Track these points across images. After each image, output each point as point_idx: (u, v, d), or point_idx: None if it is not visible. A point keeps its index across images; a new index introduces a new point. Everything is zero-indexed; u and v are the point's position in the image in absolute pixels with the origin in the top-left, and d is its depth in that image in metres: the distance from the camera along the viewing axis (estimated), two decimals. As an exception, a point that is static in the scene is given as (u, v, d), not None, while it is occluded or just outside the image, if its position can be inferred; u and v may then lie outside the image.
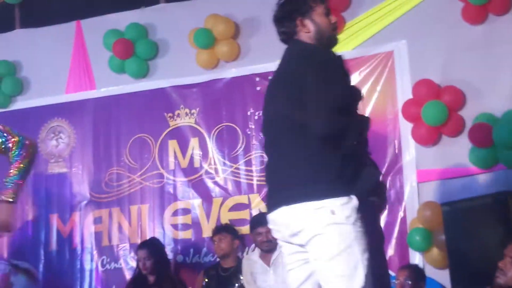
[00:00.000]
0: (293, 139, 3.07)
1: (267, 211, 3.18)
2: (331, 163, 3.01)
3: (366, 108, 5.81)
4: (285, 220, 3.07)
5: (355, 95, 3.48)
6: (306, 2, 3.25)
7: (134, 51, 6.46)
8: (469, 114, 5.48)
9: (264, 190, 6.05)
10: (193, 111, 6.34)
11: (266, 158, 3.31)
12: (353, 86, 3.42)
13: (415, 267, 5.19)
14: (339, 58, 3.14)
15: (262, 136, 3.47)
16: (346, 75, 3.15)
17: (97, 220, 6.49)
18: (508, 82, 5.39)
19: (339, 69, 3.10)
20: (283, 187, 3.07)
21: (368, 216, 3.15)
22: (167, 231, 6.27)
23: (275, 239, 5.36)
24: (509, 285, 3.11)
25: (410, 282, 4.91)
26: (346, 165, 3.02)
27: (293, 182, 3.04)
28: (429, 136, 5.53)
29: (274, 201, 3.12)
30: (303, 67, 3.06)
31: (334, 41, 3.31)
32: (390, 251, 5.56)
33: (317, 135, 2.97)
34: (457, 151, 5.46)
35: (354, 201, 2.99)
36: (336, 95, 2.99)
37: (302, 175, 3.03)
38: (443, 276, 5.22)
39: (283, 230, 3.11)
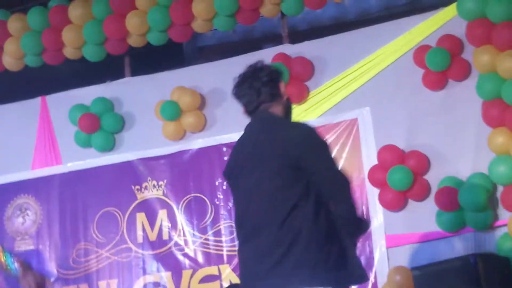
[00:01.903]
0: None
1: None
2: (331, 249, 3.08)
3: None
4: None
5: None
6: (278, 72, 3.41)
7: (100, 125, 6.46)
8: (434, 178, 5.55)
9: (235, 261, 6.03)
10: (160, 183, 6.32)
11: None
12: None
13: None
14: None
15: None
16: None
17: (66, 297, 6.37)
18: (470, 145, 5.49)
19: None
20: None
21: None
22: (137, 306, 6.17)
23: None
24: None
25: None
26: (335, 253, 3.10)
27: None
28: (396, 201, 5.57)
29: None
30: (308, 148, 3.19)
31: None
32: (363, 318, 5.53)
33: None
34: (424, 215, 5.50)
35: None
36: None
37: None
38: None
39: None
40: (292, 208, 3.07)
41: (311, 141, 3.22)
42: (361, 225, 3.29)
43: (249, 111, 3.42)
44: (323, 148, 3.26)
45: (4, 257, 4.22)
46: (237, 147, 3.44)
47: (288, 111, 3.44)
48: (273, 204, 3.10)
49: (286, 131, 3.26)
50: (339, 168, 3.27)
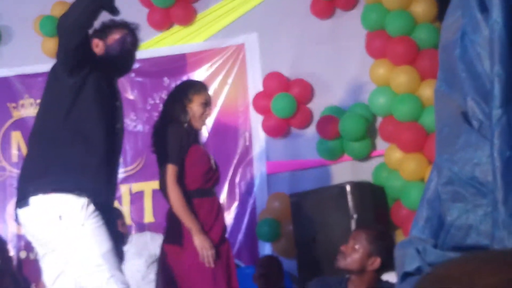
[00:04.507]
0: None
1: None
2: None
3: (218, 101, 5.81)
4: None
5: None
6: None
7: (-25, 38, 6.14)
8: (317, 106, 5.60)
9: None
10: (38, 101, 6.05)
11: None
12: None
13: (273, 257, 5.25)
14: None
15: None
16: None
17: None
18: (354, 76, 5.54)
19: None
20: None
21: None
22: (9, 226, 5.99)
23: (127, 233, 5.31)
24: (347, 268, 3.20)
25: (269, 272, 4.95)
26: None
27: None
28: (278, 128, 5.60)
29: None
30: None
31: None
32: (240, 242, 5.60)
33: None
34: (306, 143, 5.56)
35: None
36: None
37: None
38: (291, 266, 5.30)
39: None
40: None
41: None
42: None
43: None
44: None
45: None
46: None
47: None
48: None
49: None
50: None
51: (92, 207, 3.16)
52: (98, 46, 3.46)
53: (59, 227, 3.13)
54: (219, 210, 3.89)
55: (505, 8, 2.13)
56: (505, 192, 2.03)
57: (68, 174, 3.18)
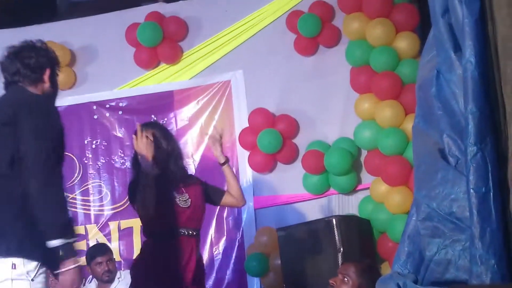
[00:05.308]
0: None
1: None
2: None
3: (205, 137, 5.88)
4: None
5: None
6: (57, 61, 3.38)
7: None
8: (303, 141, 5.67)
9: (102, 220, 5.98)
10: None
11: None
12: None
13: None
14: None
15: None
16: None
17: None
18: (338, 111, 5.63)
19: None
20: None
21: None
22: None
23: (115, 269, 5.33)
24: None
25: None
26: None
27: None
28: (265, 163, 5.66)
29: None
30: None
31: None
32: (229, 278, 5.63)
33: None
34: (292, 177, 5.62)
35: None
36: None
37: None
38: (280, 300, 5.34)
39: None
40: None
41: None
42: None
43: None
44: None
45: None
46: None
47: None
48: None
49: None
50: None
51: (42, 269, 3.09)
52: None
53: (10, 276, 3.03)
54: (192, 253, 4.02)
55: (478, 48, 2.24)
56: (481, 227, 2.12)
57: (31, 241, 3.06)
